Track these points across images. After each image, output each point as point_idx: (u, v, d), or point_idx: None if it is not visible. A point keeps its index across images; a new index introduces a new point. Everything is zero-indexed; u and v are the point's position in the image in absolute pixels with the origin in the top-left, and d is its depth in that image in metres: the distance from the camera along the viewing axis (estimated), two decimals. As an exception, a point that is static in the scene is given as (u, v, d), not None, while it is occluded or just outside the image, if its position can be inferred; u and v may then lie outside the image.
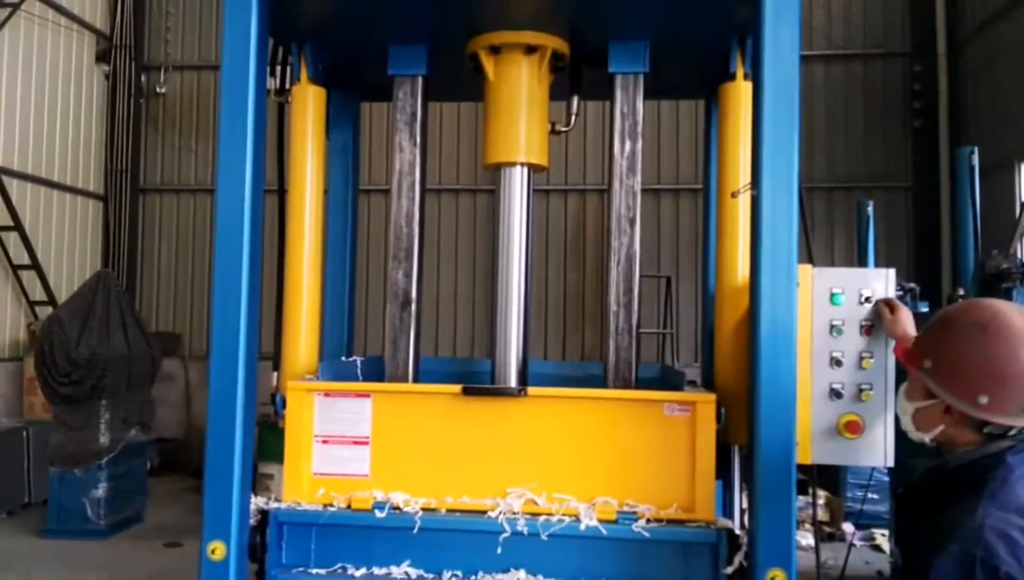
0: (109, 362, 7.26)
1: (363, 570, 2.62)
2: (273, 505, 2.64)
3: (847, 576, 6.36)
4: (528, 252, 2.92)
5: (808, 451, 2.54)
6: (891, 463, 2.53)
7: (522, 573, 2.54)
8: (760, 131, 2.35)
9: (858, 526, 7.29)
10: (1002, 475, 1.69)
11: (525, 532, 2.50)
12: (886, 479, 7.12)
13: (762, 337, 2.35)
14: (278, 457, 2.73)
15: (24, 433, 8.32)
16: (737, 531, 2.48)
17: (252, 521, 2.59)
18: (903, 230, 10.61)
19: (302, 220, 3.03)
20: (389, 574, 2.60)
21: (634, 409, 2.60)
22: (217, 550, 2.47)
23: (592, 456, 2.60)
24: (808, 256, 2.65)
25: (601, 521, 2.49)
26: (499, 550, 2.53)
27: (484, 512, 2.57)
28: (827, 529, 7.58)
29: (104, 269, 8.68)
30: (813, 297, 2.56)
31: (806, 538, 6.86)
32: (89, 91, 11.04)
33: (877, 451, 2.54)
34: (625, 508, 2.54)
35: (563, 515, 2.52)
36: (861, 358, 2.54)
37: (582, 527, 2.48)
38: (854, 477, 7.67)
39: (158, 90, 11.44)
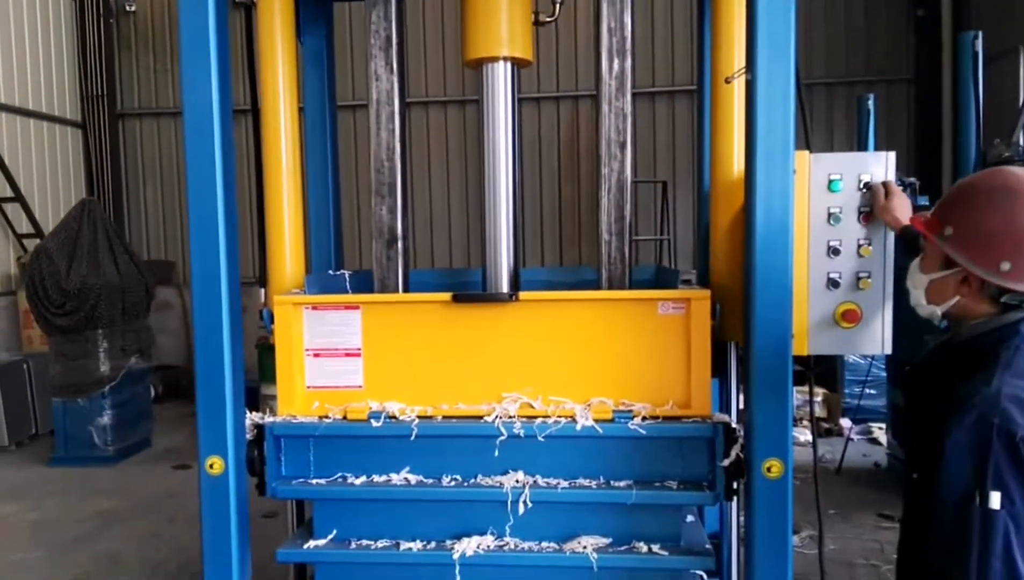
0: (101, 291, 7.21)
1: (363, 478, 2.62)
2: (268, 419, 2.62)
3: (844, 469, 6.50)
4: (516, 154, 2.81)
5: (805, 342, 2.51)
6: (889, 351, 2.50)
7: (520, 474, 2.54)
8: (755, 7, 2.22)
9: (855, 421, 7.41)
10: (1016, 344, 1.65)
11: (522, 435, 2.49)
12: (883, 374, 7.20)
13: (757, 228, 2.28)
14: (280, 379, 2.69)
15: (25, 366, 8.36)
16: (734, 425, 2.47)
17: (248, 436, 2.58)
18: (904, 126, 10.43)
19: (278, 132, 2.90)
20: (389, 481, 2.61)
21: (627, 309, 2.55)
22: (215, 465, 2.47)
23: (587, 358, 2.57)
24: (806, 143, 2.55)
25: (597, 421, 2.48)
26: (496, 453, 2.53)
27: (480, 418, 2.56)
28: (825, 425, 7.70)
29: (88, 197, 8.52)
30: (810, 185, 2.48)
31: (804, 434, 6.98)
32: (56, 13, 10.65)
33: (875, 339, 2.50)
34: (621, 407, 2.53)
35: (559, 417, 2.51)
36: (859, 246, 2.48)
37: (578, 427, 2.47)
38: (851, 373, 7.75)
39: (128, 8, 11.03)
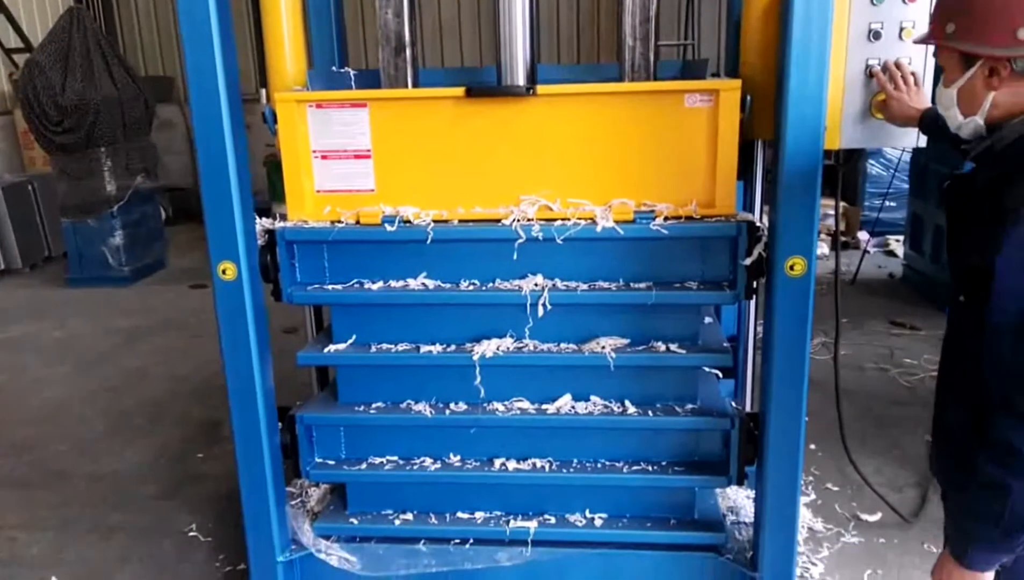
0: (100, 106, 6.99)
1: (380, 284, 2.60)
2: (279, 224, 2.56)
3: (859, 280, 6.51)
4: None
5: (837, 136, 2.37)
6: (923, 143, 2.36)
7: (539, 277, 2.51)
8: None
9: (873, 234, 7.35)
10: None
11: (540, 238, 2.43)
12: (905, 186, 7.05)
13: (795, 11, 2.10)
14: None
15: (30, 187, 8.26)
16: (758, 224, 2.40)
17: (260, 241, 2.52)
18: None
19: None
20: (406, 286, 2.58)
21: (652, 102, 2.40)
22: (228, 270, 2.43)
23: (608, 157, 2.45)
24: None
25: (618, 222, 2.40)
26: (515, 257, 2.48)
27: (497, 221, 2.49)
28: (843, 238, 7.66)
29: (75, 4, 8.06)
30: (854, -39, 2.25)
31: (821, 248, 6.95)
32: None
33: (909, 131, 2.36)
34: (643, 208, 2.44)
35: (579, 219, 2.43)
36: (902, 29, 2.28)
37: (598, 229, 2.40)
38: (873, 185, 7.61)
39: None
